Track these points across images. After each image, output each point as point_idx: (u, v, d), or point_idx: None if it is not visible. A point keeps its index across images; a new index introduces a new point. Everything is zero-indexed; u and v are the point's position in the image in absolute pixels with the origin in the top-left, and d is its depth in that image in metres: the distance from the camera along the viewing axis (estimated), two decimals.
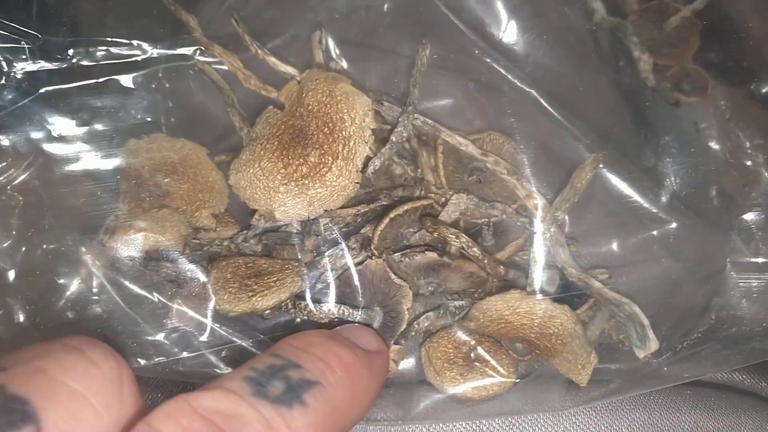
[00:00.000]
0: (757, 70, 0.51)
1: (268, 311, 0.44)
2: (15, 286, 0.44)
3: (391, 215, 0.45)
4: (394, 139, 0.46)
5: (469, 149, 0.47)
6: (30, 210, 0.45)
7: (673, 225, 0.47)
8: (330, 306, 0.44)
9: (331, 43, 0.48)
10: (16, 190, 0.45)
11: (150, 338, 0.44)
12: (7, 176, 0.45)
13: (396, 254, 0.46)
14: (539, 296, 0.45)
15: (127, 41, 0.46)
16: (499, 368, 0.46)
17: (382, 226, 0.46)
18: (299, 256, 0.46)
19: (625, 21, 0.55)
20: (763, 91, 0.51)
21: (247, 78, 0.48)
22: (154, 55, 0.47)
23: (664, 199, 0.47)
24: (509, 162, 0.48)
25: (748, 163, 0.51)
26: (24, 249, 0.45)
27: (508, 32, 0.49)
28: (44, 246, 0.45)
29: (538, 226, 0.47)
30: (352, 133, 0.43)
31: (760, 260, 0.47)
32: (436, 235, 0.46)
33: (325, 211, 0.45)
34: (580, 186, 0.47)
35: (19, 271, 0.44)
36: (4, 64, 0.45)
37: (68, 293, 0.45)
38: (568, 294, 0.46)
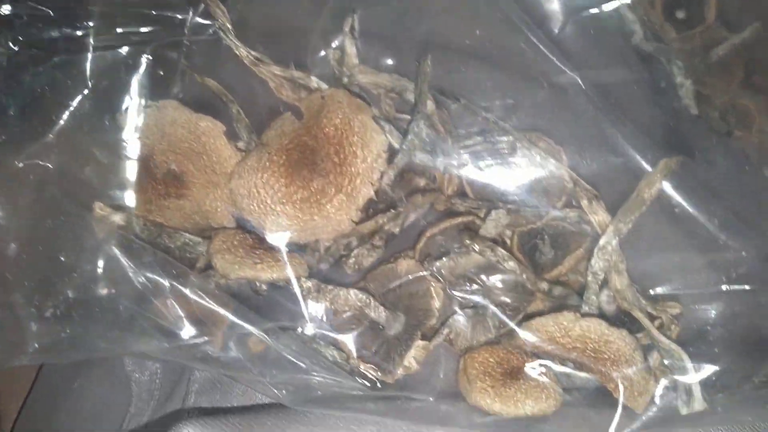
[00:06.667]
0: None
1: (265, 286, 0.43)
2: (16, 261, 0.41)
3: (430, 233, 0.45)
4: (405, 147, 0.44)
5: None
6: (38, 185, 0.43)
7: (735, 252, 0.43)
8: (357, 294, 0.42)
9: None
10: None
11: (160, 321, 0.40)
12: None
13: (439, 261, 0.44)
14: (595, 318, 0.41)
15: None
16: (537, 392, 0.41)
17: (422, 243, 0.45)
18: None
19: (667, 46, 0.53)
20: None
21: (279, 87, 0.46)
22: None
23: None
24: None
25: None
26: (28, 224, 0.42)
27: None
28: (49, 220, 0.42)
29: (600, 238, 0.43)
30: (360, 171, 0.42)
31: None
32: (473, 249, 0.43)
33: None
34: (647, 196, 0.42)
35: (20, 247, 0.41)
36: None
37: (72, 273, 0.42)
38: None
